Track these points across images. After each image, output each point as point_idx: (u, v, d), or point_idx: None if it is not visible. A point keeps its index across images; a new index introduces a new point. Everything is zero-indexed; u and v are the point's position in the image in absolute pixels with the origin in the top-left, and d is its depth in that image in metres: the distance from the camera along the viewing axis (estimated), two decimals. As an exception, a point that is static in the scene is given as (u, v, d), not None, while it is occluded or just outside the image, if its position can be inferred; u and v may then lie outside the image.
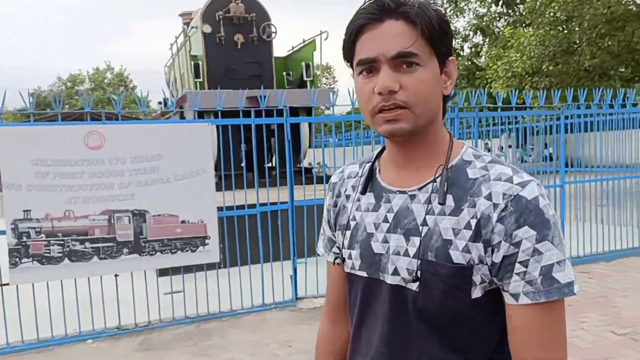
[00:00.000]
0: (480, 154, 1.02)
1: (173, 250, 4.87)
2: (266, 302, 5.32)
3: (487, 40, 26.39)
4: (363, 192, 1.10)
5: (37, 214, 4.48)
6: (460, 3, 27.21)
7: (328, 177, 4.66)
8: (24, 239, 4.45)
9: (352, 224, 1.11)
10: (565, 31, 13.93)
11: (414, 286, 0.98)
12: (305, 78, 9.77)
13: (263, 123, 5.34)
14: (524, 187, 0.93)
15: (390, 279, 1.02)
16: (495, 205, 0.93)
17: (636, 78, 17.93)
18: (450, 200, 0.98)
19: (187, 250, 4.86)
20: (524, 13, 15.24)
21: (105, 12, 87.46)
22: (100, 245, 4.66)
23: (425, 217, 0.99)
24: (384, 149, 1.13)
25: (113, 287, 4.71)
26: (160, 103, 14.97)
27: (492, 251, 0.94)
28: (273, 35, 10.15)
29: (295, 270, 5.48)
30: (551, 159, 7.75)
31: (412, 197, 1.02)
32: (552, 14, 14.34)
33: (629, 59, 15.47)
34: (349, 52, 1.00)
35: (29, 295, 4.48)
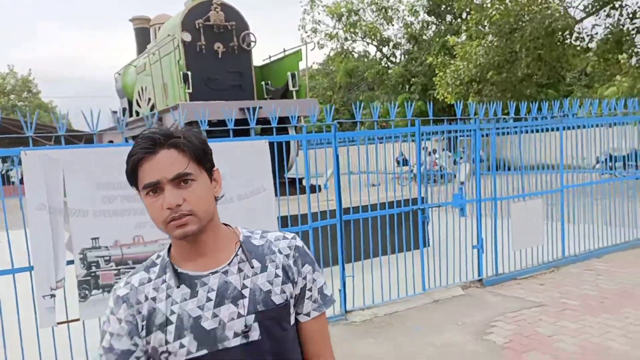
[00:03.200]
0: (252, 230, 1.41)
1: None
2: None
3: (417, 47, 27.48)
4: (178, 286, 1.28)
5: (105, 242, 4.21)
6: (388, 12, 28.15)
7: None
8: (93, 268, 4.17)
9: (173, 317, 1.27)
10: (508, 42, 14.87)
11: (256, 335, 1.27)
12: (291, 88, 9.73)
13: (313, 139, 5.32)
14: (294, 239, 1.38)
15: (234, 343, 1.26)
16: (287, 256, 1.34)
17: (549, 84, 19.50)
18: (256, 263, 1.31)
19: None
20: (469, 25, 16.09)
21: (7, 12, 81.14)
22: (169, 270, 4.45)
23: (243, 282, 1.29)
24: (169, 250, 1.36)
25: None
26: (115, 112, 14.23)
27: (294, 287, 1.33)
28: (252, 44, 10.03)
29: (344, 283, 5.51)
30: (482, 161, 8.32)
31: (225, 272, 1.29)
32: (495, 27, 15.25)
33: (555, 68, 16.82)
34: (133, 179, 1.26)
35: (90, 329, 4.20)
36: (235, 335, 1.25)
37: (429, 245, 7.15)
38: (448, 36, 21.60)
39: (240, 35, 9.82)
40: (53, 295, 4.01)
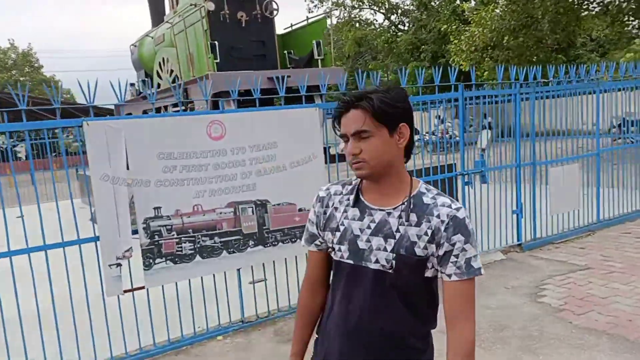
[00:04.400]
0: (430, 188, 1.59)
1: (293, 240, 4.79)
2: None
3: (427, 14, 27.07)
4: (353, 206, 1.61)
5: (167, 211, 4.23)
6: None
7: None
8: (156, 237, 4.20)
9: (342, 227, 1.62)
10: (525, 5, 14.62)
11: (390, 270, 1.53)
12: (316, 56, 9.63)
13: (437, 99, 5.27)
14: (458, 210, 1.52)
15: (372, 266, 1.55)
16: (442, 221, 1.51)
17: (560, 49, 19.22)
18: (413, 217, 1.53)
19: (306, 238, 4.78)
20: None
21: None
22: (228, 239, 4.49)
23: (398, 227, 1.54)
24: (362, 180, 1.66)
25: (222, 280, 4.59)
26: (132, 85, 14.12)
27: (439, 249, 1.51)
28: (275, 12, 9.90)
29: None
30: (490, 128, 8.18)
31: (389, 213, 1.56)
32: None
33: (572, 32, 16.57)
34: (335, 126, 1.59)
35: (153, 295, 4.25)
36: (376, 261, 1.54)
37: None
38: (458, 2, 21.26)
39: (262, 3, 9.68)
40: (119, 265, 4.06)
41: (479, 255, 1.54)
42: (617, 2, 14.89)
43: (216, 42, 8.67)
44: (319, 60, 9.66)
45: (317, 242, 1.71)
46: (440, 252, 1.52)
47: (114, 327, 4.09)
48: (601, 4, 15.35)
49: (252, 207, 4.60)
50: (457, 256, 1.51)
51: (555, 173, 6.57)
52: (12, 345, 3.86)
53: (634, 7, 14.59)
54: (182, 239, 4.30)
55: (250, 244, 4.60)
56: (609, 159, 7.54)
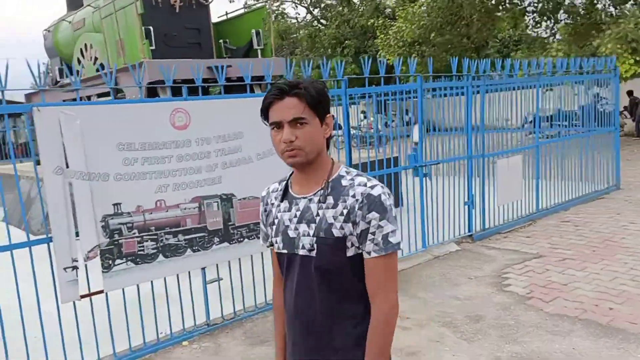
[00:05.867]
0: (350, 170, 1.66)
1: (259, 235, 4.53)
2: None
3: (349, 9, 27.28)
4: (281, 200, 1.69)
5: (127, 207, 3.85)
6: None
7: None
8: (116, 236, 3.81)
9: (276, 221, 1.70)
10: (450, 3, 15.07)
11: (313, 253, 1.60)
12: (255, 46, 9.32)
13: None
14: (372, 188, 1.57)
15: (300, 252, 1.63)
16: (357, 200, 1.56)
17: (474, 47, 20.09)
18: (330, 200, 1.60)
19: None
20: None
21: None
22: (193, 236, 4.17)
23: (317, 211, 1.61)
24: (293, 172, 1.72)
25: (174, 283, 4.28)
26: (49, 73, 13.00)
27: (355, 227, 1.56)
28: (211, -1, 9.48)
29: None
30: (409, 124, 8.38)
31: (310, 200, 1.63)
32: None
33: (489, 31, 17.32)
34: (265, 116, 1.60)
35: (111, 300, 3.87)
36: (303, 247, 1.62)
37: (402, 205, 7.24)
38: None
39: (197, -11, 9.23)
40: (75, 267, 3.64)
41: (397, 230, 1.57)
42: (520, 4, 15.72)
43: (151, 28, 8.15)
44: (259, 51, 9.38)
45: (269, 240, 1.77)
46: (358, 231, 1.56)
47: (68, 337, 3.67)
48: (510, 4, 16.14)
49: (218, 202, 4.31)
50: (374, 233, 1.55)
51: (502, 164, 6.75)
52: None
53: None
54: (144, 237, 3.94)
55: (215, 241, 4.31)
56: (546, 152, 7.87)
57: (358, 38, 26.60)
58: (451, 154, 6.96)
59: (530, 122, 9.53)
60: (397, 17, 17.18)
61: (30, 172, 7.80)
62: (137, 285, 4.00)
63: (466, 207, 6.57)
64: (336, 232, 1.57)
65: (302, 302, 1.64)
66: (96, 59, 9.96)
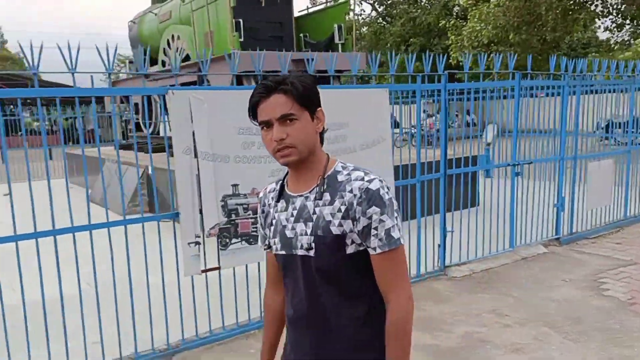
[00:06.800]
0: (346, 165, 1.58)
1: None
2: (414, 272, 5.26)
3: (415, 7, 27.08)
4: (278, 200, 1.63)
5: (244, 189, 4.03)
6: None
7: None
8: (233, 216, 4.00)
9: (274, 221, 1.63)
10: (527, 2, 14.74)
11: (312, 253, 1.53)
12: (336, 41, 9.43)
13: (425, 89, 5.16)
14: (370, 182, 1.49)
15: (299, 252, 1.56)
16: (354, 196, 1.48)
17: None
18: (327, 196, 1.53)
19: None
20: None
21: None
22: (300, 220, 4.31)
23: (314, 209, 1.54)
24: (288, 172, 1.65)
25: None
26: (131, 63, 13.61)
27: (356, 224, 1.49)
28: (295, -7, 9.65)
29: (444, 239, 5.48)
30: (475, 125, 8.11)
31: (306, 198, 1.56)
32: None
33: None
34: (253, 115, 1.53)
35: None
36: (301, 247, 1.55)
37: (478, 204, 7.18)
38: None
39: (281, -17, 9.41)
40: (198, 243, 3.85)
41: (398, 225, 1.50)
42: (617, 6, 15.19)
43: (241, 20, 8.40)
44: (340, 45, 9.48)
45: (267, 241, 1.72)
46: (359, 227, 1.50)
47: (172, 312, 3.89)
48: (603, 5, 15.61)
49: (324, 189, 4.43)
50: (376, 229, 1.48)
51: (592, 168, 6.60)
52: (52, 329, 3.61)
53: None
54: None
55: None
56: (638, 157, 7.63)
57: (423, 36, 26.40)
58: (532, 156, 6.84)
59: (602, 128, 9.28)
60: (468, 17, 16.93)
61: (112, 156, 8.17)
62: (246, 266, 4.19)
63: (554, 209, 6.46)
64: (334, 230, 1.50)
65: (303, 302, 1.59)
66: (182, 49, 10.32)
